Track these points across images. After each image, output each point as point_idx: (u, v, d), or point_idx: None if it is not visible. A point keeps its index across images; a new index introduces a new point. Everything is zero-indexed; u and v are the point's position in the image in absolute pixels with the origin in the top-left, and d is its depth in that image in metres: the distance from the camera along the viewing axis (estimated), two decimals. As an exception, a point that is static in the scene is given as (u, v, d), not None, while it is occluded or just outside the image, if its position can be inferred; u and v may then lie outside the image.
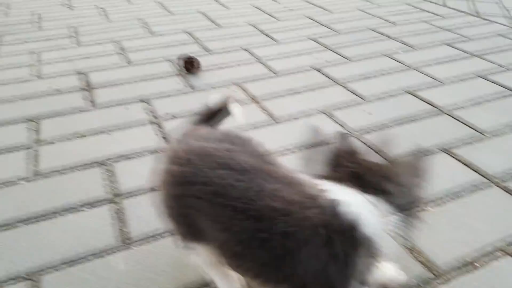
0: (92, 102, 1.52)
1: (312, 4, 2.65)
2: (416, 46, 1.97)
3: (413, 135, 1.29)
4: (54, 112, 1.45)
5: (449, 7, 2.57)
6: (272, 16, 2.42)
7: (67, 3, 2.75)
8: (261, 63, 1.83)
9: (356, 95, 1.54)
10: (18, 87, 1.64)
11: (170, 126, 1.36)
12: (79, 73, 1.75)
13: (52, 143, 1.28)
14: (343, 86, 1.61)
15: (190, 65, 1.73)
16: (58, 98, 1.55)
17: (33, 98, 1.55)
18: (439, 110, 1.43)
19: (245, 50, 1.97)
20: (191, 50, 1.95)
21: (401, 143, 1.19)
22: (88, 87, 1.63)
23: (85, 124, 1.38)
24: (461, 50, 1.91)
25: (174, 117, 1.42)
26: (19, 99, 1.54)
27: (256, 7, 2.61)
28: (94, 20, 2.43)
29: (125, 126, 1.37)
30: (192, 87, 1.63)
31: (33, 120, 1.40)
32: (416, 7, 2.57)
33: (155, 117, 1.42)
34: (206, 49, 1.97)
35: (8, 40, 2.11)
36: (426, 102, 1.48)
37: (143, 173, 1.14)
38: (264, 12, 2.51)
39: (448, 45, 1.98)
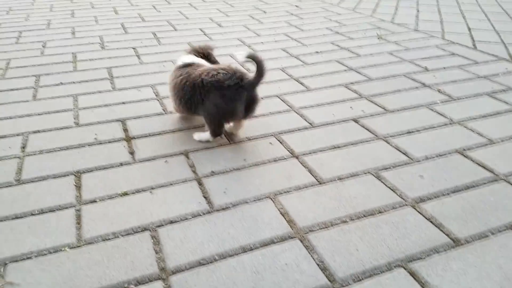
0: (132, 154, 1.51)
1: (338, 46, 2.65)
2: (454, 96, 1.93)
3: (473, 207, 1.23)
4: (95, 165, 1.44)
5: (480, 50, 2.54)
6: (299, 60, 2.42)
7: (100, 42, 2.80)
8: (295, 111, 1.81)
9: (402, 152, 1.49)
10: (58, 135, 1.63)
11: (211, 183, 1.33)
12: (117, 120, 1.75)
13: (95, 201, 1.26)
14: (385, 141, 1.57)
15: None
16: (98, 149, 1.54)
17: (73, 149, 1.54)
18: (496, 176, 1.37)
19: (277, 97, 1.95)
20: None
21: (464, 216, 1.14)
22: (127, 137, 1.62)
23: (126, 179, 1.36)
24: (504, 102, 1.87)
25: (213, 173, 1.39)
26: (60, 149, 1.53)
27: (283, 50, 2.61)
28: (128, 61, 2.45)
29: (166, 182, 1.34)
30: (231, 139, 1.60)
31: (75, 174, 1.39)
32: (446, 50, 2.55)
33: (195, 173, 1.39)
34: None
35: (46, 82, 2.13)
36: (479, 165, 1.42)
37: (187, 242, 1.10)
38: (291, 55, 2.51)
39: (489, 95, 1.93)
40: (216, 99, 1.46)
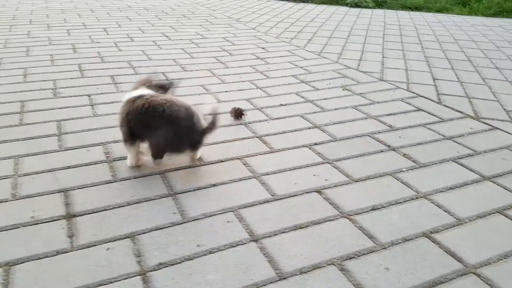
0: (71, 237, 1.34)
1: (303, 98, 2.58)
2: (420, 162, 1.88)
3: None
4: (28, 254, 1.26)
5: (445, 105, 2.55)
6: (264, 113, 2.33)
7: (52, 88, 2.62)
8: (257, 178, 1.70)
9: (367, 236, 1.40)
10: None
11: (158, 280, 1.18)
12: (60, 190, 1.57)
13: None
14: (350, 220, 1.47)
15: (238, 114, 2.23)
16: (33, 231, 1.36)
17: (6, 231, 1.35)
18: (465, 267, 1.29)
19: (239, 159, 1.84)
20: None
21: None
22: (68, 215, 1.45)
23: (60, 274, 1.19)
24: (470, 170, 1.83)
25: (161, 265, 1.24)
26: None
27: (248, 101, 2.53)
28: (81, 112, 2.28)
29: (106, 280, 1.18)
30: (182, 214, 1.46)
31: (4, 267, 1.20)
32: (411, 105, 2.54)
33: (140, 265, 1.24)
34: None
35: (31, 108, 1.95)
36: (448, 253, 1.33)
37: None
38: (256, 107, 2.43)
39: (456, 161, 1.90)
40: (168, 133, 1.60)
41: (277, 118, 2.27)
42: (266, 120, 2.24)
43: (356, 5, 6.46)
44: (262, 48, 3.71)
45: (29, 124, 2.10)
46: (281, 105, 2.45)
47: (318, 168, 1.80)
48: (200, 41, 3.86)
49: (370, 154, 1.93)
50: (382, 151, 1.96)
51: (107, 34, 4.03)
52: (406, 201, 1.60)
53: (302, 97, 2.59)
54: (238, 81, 2.83)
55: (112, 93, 2.55)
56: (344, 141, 2.05)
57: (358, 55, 3.60)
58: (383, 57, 3.57)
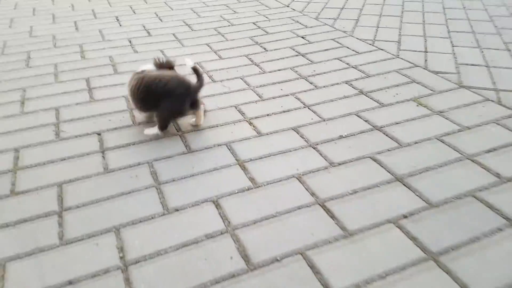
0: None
1: (367, 123, 1.98)
2: None
3: None
4: None
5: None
6: (319, 154, 1.77)
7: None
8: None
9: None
10: None
11: None
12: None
13: None
14: None
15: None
16: None
17: None
18: None
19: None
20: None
21: None
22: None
23: None
24: None
25: None
26: None
27: (294, 129, 1.95)
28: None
29: None
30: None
31: None
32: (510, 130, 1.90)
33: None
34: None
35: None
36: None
37: None
38: (306, 141, 1.85)
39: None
40: (167, 103, 1.77)
41: (339, 164, 1.70)
42: (325, 170, 1.68)
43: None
44: (302, 37, 3.04)
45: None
46: (341, 137, 1.87)
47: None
48: (227, 31, 3.21)
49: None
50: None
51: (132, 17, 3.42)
52: None
53: (365, 120, 1.99)
54: (279, 96, 2.23)
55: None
56: (443, 206, 1.47)
57: (422, 44, 2.90)
58: (453, 46, 2.86)
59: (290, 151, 1.77)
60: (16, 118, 2.04)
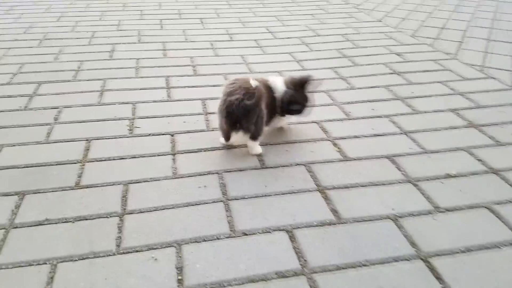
0: None
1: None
2: None
3: None
4: None
5: None
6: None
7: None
8: None
9: None
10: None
11: None
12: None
13: None
14: None
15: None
16: None
17: None
18: None
19: None
20: None
21: None
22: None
23: None
24: None
25: None
26: None
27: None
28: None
29: None
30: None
31: None
32: None
33: None
34: None
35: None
36: None
37: None
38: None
39: None
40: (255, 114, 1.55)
41: (447, 210, 1.39)
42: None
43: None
44: (397, 54, 2.74)
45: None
46: (449, 176, 1.54)
47: None
48: (312, 41, 3.00)
49: None
50: None
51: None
52: None
53: (477, 159, 1.64)
54: (370, 116, 1.96)
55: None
56: None
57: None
58: None
59: (384, 184, 1.49)
60: (93, 108, 1.99)
